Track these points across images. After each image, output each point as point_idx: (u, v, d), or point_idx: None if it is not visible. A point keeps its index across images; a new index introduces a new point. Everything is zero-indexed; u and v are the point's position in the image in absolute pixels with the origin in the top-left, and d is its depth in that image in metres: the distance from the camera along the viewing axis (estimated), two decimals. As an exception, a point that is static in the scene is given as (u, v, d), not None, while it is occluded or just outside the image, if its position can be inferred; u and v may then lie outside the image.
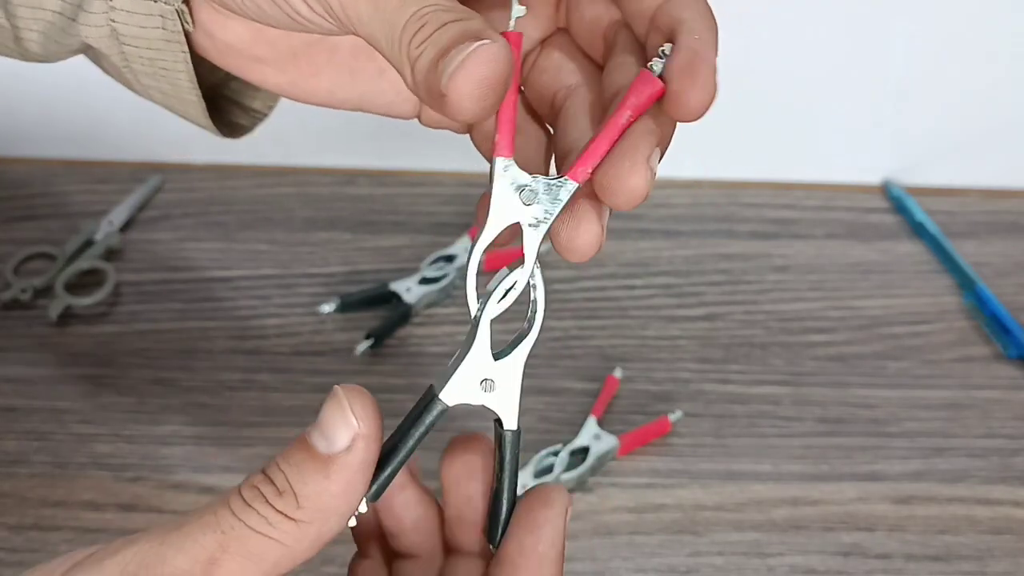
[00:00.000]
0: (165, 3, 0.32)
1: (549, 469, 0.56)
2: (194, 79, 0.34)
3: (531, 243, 0.30)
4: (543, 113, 0.33)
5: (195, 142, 0.41)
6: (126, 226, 0.70)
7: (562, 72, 0.32)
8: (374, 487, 0.29)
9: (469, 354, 0.29)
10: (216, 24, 0.33)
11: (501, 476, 0.31)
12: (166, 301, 0.65)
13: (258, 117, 0.40)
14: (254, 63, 0.34)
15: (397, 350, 0.63)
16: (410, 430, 0.29)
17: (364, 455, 0.27)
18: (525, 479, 0.55)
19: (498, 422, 0.30)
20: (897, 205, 0.74)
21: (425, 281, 0.65)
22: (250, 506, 0.27)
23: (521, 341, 0.30)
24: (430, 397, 0.29)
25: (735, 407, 0.61)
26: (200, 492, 0.55)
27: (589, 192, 0.29)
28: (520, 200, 0.29)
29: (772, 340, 0.65)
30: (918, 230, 0.72)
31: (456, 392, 0.29)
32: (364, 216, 0.72)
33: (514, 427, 0.30)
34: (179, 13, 0.32)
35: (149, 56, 0.33)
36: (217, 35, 0.33)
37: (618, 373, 0.61)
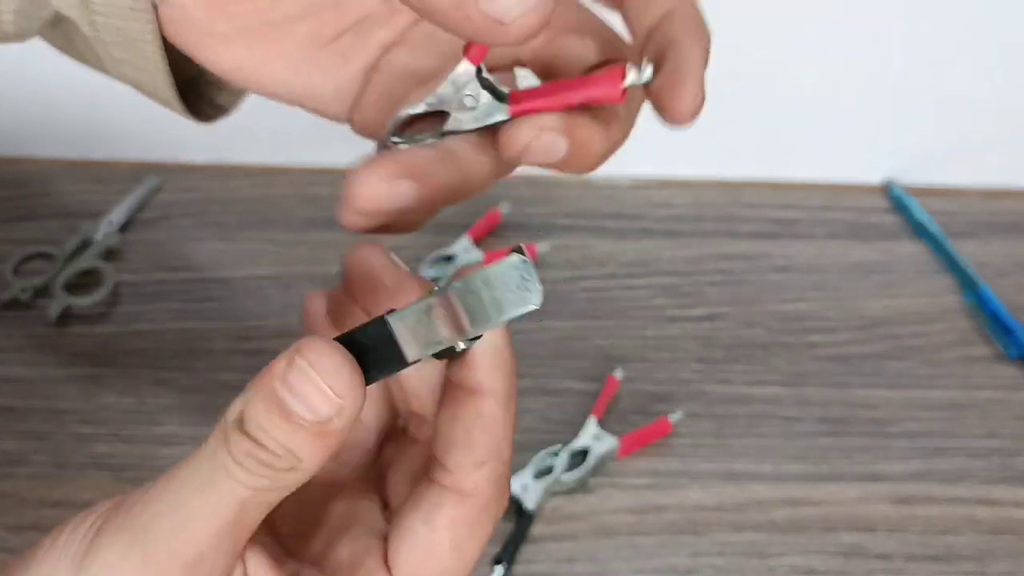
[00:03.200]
0: None
1: (549, 470, 0.56)
2: (162, 50, 0.34)
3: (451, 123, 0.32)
4: None
5: (195, 142, 0.41)
6: (125, 226, 0.70)
7: None
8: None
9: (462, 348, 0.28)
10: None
11: None
12: (165, 301, 0.65)
13: (238, 96, 0.40)
14: (209, 39, 0.34)
15: (397, 350, 0.63)
16: (376, 375, 0.28)
17: (352, 412, 0.27)
18: (525, 480, 0.55)
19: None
20: (898, 205, 0.74)
21: (425, 281, 0.65)
22: (253, 473, 0.27)
23: None
24: (394, 352, 0.28)
25: (736, 407, 0.61)
26: (199, 493, 0.55)
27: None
28: (461, 98, 0.30)
29: (773, 340, 0.65)
30: (919, 230, 0.72)
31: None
32: (364, 216, 0.71)
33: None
34: None
35: (116, 25, 0.33)
36: (177, 3, 0.33)
37: (618, 373, 0.61)
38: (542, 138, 0.31)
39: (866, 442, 0.60)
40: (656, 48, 0.30)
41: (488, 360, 0.29)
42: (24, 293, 0.64)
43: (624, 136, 0.33)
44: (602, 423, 0.58)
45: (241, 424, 0.27)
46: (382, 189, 0.32)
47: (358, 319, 0.34)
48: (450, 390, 0.30)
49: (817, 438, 0.60)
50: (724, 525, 0.56)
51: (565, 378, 0.62)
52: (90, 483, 0.56)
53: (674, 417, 0.59)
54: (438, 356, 0.28)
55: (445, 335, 0.27)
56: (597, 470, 0.57)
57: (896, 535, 0.55)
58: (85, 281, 0.65)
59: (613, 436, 0.58)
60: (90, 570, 0.28)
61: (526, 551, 0.54)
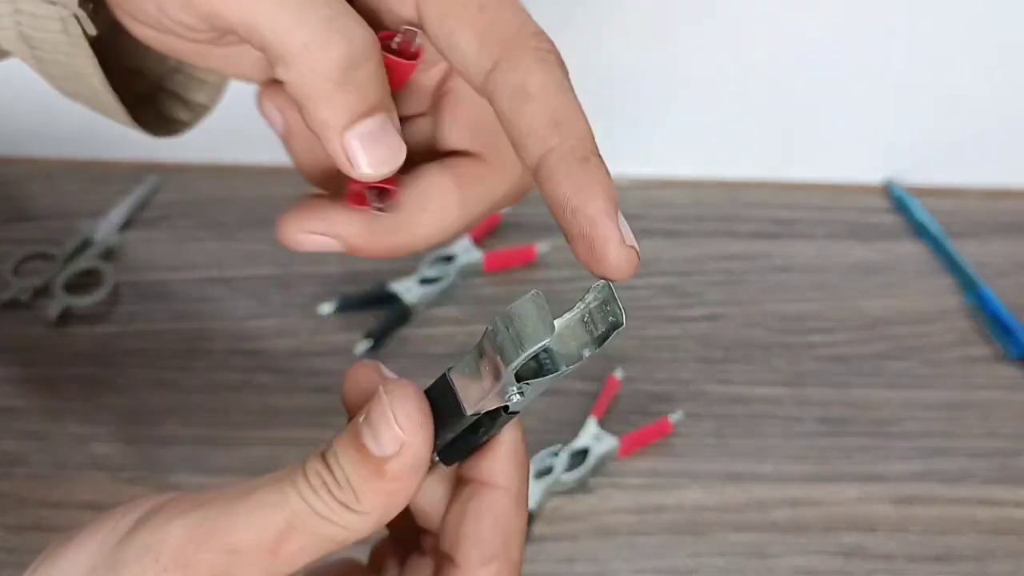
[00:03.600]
0: (63, 7, 0.31)
1: (549, 470, 0.56)
2: (105, 83, 0.33)
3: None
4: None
5: (194, 142, 0.41)
6: (125, 226, 0.70)
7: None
8: (449, 456, 0.30)
9: (500, 386, 0.28)
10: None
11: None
12: (165, 301, 0.65)
13: (200, 112, 0.39)
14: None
15: (396, 351, 0.63)
16: (443, 431, 0.29)
17: (414, 458, 0.27)
18: (525, 480, 0.55)
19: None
20: (898, 205, 0.74)
21: (425, 281, 0.65)
22: (315, 493, 0.27)
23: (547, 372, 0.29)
24: (458, 408, 0.28)
25: (736, 408, 0.61)
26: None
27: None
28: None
29: (773, 340, 0.65)
30: (919, 230, 0.72)
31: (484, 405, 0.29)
32: (364, 216, 0.71)
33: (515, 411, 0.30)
34: (77, 18, 0.31)
35: (59, 60, 0.33)
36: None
37: (619, 373, 0.61)
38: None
39: (866, 442, 0.60)
40: (558, 209, 0.28)
41: (505, 452, 0.30)
42: (24, 293, 0.64)
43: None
44: (602, 423, 0.58)
45: (324, 449, 0.28)
46: (306, 242, 0.33)
47: None
48: (461, 485, 0.31)
49: (817, 438, 0.60)
50: (724, 525, 0.56)
51: (565, 378, 0.61)
52: (90, 483, 0.56)
53: (674, 417, 0.59)
54: (491, 419, 0.29)
55: (488, 382, 0.28)
56: (597, 470, 0.57)
57: (896, 535, 0.55)
58: (85, 281, 0.65)
59: (613, 436, 0.57)
60: (152, 527, 0.28)
61: (526, 551, 0.54)
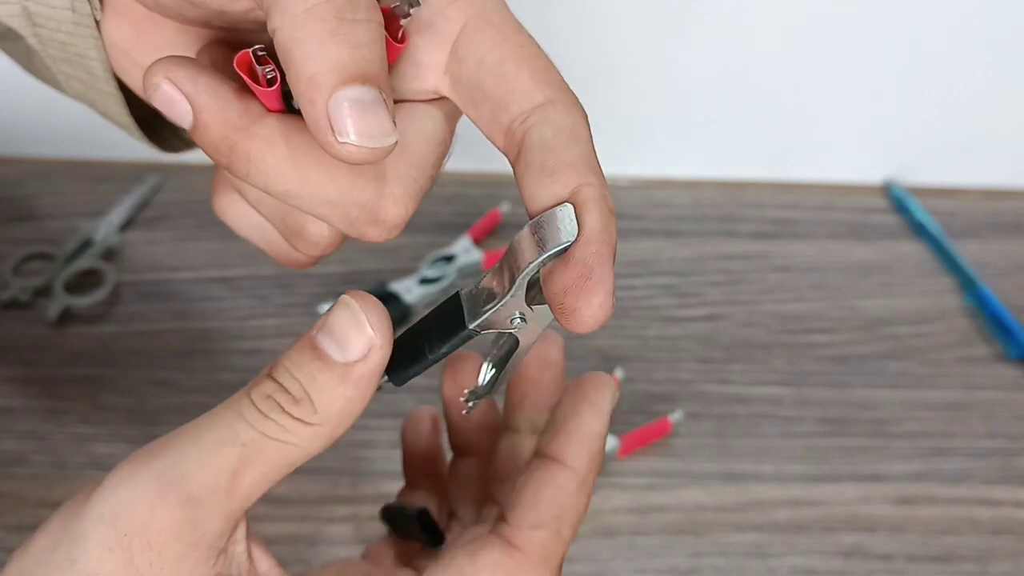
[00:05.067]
0: None
1: (549, 470, 0.56)
2: (108, 67, 0.33)
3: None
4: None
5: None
6: (125, 226, 0.70)
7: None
8: (401, 376, 0.29)
9: (508, 298, 0.28)
10: (107, 22, 0.32)
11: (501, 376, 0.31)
12: (165, 301, 0.65)
13: (191, 143, 0.38)
14: (136, 68, 0.33)
15: (397, 350, 0.63)
16: (436, 344, 0.29)
17: (379, 361, 0.28)
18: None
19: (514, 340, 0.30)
20: (898, 205, 0.74)
21: (425, 281, 0.65)
22: (267, 416, 0.28)
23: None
24: (458, 320, 0.29)
25: (736, 408, 0.61)
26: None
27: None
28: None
29: (773, 340, 0.65)
30: (919, 230, 0.72)
31: (486, 323, 0.29)
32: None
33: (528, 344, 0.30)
34: None
35: (61, 40, 0.32)
36: (109, 35, 0.32)
37: (619, 373, 0.61)
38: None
39: (866, 442, 0.60)
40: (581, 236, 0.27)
41: (580, 435, 0.32)
42: (24, 293, 0.64)
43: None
44: (602, 423, 0.58)
45: (271, 370, 0.28)
46: (159, 91, 0.28)
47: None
48: (535, 459, 0.32)
49: (817, 438, 0.60)
50: (724, 525, 0.56)
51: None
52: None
53: (674, 417, 0.59)
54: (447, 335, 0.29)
55: (501, 289, 0.28)
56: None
57: (897, 535, 0.55)
58: (85, 281, 0.65)
59: (613, 436, 0.57)
60: (102, 495, 0.28)
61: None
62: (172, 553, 0.27)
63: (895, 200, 0.74)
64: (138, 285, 0.66)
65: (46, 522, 0.29)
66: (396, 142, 0.25)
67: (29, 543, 0.29)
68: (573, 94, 0.29)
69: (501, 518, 0.32)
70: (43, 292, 0.65)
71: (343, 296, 0.28)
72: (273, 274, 0.67)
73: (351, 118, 0.25)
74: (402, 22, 0.28)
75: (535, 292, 0.28)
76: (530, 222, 0.27)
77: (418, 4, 0.28)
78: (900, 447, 0.59)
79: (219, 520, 0.28)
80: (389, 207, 0.28)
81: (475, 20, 0.29)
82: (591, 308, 0.26)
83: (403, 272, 0.66)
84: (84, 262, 0.66)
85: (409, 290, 0.65)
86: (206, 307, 0.65)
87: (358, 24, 0.25)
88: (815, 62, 0.70)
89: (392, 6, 0.28)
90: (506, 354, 0.31)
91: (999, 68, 0.71)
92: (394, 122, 0.25)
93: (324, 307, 0.64)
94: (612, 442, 0.57)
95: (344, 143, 0.25)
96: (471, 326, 0.28)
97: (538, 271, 0.27)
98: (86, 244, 0.67)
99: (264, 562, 0.30)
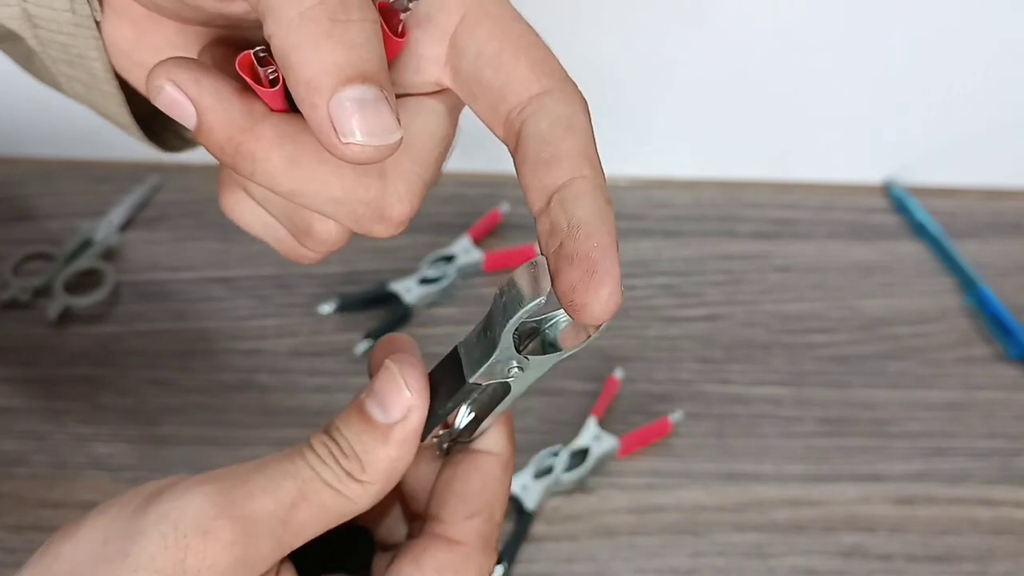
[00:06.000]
0: None
1: (549, 470, 0.56)
2: (109, 68, 0.33)
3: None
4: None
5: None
6: (125, 226, 0.70)
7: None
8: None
9: (496, 354, 0.28)
10: (107, 22, 0.32)
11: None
12: (165, 301, 0.65)
13: (192, 142, 0.38)
14: (136, 67, 0.33)
15: (397, 350, 0.63)
16: (443, 400, 0.30)
17: (417, 423, 0.30)
18: (525, 480, 0.55)
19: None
20: (898, 205, 0.74)
21: (425, 281, 0.65)
22: (324, 462, 0.30)
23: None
24: (458, 374, 0.30)
25: (736, 408, 0.61)
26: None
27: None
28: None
29: (773, 340, 0.65)
30: (919, 230, 0.72)
31: (485, 375, 0.30)
32: (364, 216, 0.71)
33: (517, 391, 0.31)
34: None
35: (62, 41, 0.32)
36: (109, 34, 0.32)
37: (619, 373, 0.61)
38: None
39: (866, 442, 0.60)
40: (558, 236, 0.27)
41: (496, 423, 0.33)
42: (24, 293, 0.64)
43: None
44: (602, 423, 0.58)
45: (327, 428, 0.31)
46: (162, 92, 0.28)
47: None
48: (456, 453, 0.33)
49: (817, 438, 0.60)
50: (724, 525, 0.56)
51: (565, 378, 0.62)
52: (90, 483, 0.56)
53: (674, 417, 0.59)
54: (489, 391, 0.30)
55: (490, 348, 0.29)
56: (597, 470, 0.57)
57: (897, 535, 0.55)
58: (85, 281, 0.65)
59: (613, 436, 0.57)
60: (168, 497, 0.29)
61: (526, 551, 0.54)
62: (222, 564, 0.29)
63: (895, 200, 0.74)
64: (138, 285, 0.66)
65: (89, 515, 0.30)
66: (401, 139, 0.25)
67: (71, 533, 0.30)
68: (572, 82, 0.29)
69: (431, 519, 0.32)
70: (43, 292, 0.65)
71: (387, 360, 0.30)
72: (273, 274, 0.67)
73: (354, 118, 0.25)
74: (401, 16, 0.28)
75: (530, 341, 0.29)
76: (507, 277, 0.28)
77: None
78: (900, 447, 0.59)
79: (270, 546, 0.29)
80: (394, 204, 0.29)
81: (473, 12, 0.29)
82: (600, 301, 0.26)
83: (403, 272, 0.66)
84: (84, 262, 0.66)
85: (409, 290, 0.65)
86: (206, 307, 0.65)
87: (352, 24, 0.25)
88: (815, 62, 0.70)
89: (391, 1, 0.28)
90: (490, 400, 0.31)
91: (999, 68, 0.71)
92: (398, 119, 0.25)
93: (324, 307, 0.64)
94: (612, 442, 0.57)
95: (349, 143, 0.25)
96: (471, 380, 0.29)
97: (517, 328, 0.28)
98: (86, 244, 0.67)
99: None
